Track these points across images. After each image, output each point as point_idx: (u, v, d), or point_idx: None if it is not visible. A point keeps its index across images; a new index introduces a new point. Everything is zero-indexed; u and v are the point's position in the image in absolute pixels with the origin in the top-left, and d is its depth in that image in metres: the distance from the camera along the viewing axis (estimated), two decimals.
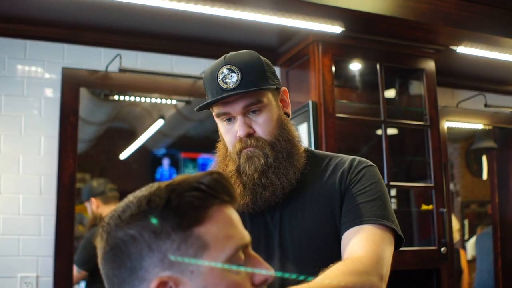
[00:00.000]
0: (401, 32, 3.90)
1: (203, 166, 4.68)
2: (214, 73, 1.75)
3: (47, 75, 3.71)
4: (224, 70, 1.72)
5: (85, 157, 4.21)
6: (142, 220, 1.02)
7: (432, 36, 4.02)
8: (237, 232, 1.07)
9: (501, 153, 5.58)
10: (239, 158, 1.77)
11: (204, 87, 1.83)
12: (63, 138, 3.61)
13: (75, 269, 3.65)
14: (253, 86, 1.72)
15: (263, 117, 1.76)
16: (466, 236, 6.79)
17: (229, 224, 1.06)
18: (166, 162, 4.68)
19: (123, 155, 4.62)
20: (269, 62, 1.83)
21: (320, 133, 3.73)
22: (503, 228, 5.45)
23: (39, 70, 3.71)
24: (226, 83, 1.71)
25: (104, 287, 1.08)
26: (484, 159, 5.93)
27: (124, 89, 3.88)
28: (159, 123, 4.50)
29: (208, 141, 4.24)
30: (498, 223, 5.48)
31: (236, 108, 1.74)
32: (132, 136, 4.66)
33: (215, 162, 1.91)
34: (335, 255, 1.67)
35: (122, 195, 1.39)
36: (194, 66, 4.04)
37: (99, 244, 1.07)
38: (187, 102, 4.16)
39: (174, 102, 4.16)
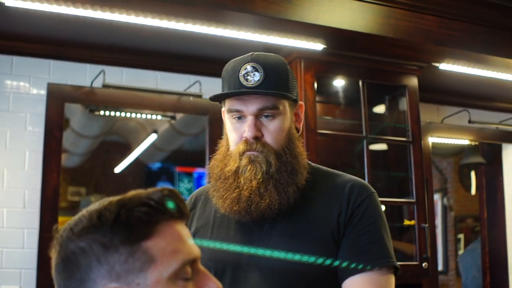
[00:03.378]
0: (383, 49, 3.94)
1: (199, 180, 4.70)
2: (236, 67, 1.69)
3: (33, 91, 3.76)
4: (248, 67, 1.67)
5: (80, 171, 4.24)
6: (92, 233, 1.04)
7: (413, 53, 4.06)
8: (185, 247, 1.09)
9: (490, 168, 5.61)
10: (241, 159, 1.69)
11: (222, 79, 1.77)
12: (47, 152, 3.64)
13: None
14: (274, 90, 1.66)
15: (274, 124, 1.68)
16: (461, 251, 6.80)
17: (177, 239, 1.09)
18: (161, 176, 4.71)
19: (118, 169, 4.64)
20: (293, 73, 1.78)
21: None
22: (491, 243, 5.47)
23: (25, 85, 3.75)
24: (247, 80, 1.65)
25: None
26: (473, 174, 5.96)
27: (109, 105, 3.91)
28: (152, 137, 4.53)
29: (203, 155, 4.28)
30: (487, 238, 5.51)
31: (250, 108, 1.67)
32: (126, 150, 4.68)
33: (213, 160, 1.81)
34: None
35: None
36: (179, 83, 4.07)
37: (53, 255, 1.11)
38: (172, 118, 4.19)
39: (159, 117, 4.18)
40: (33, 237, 3.58)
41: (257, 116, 1.67)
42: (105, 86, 3.78)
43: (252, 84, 1.64)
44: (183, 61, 4.10)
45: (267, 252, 1.65)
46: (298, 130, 1.80)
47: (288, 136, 1.72)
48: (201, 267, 1.14)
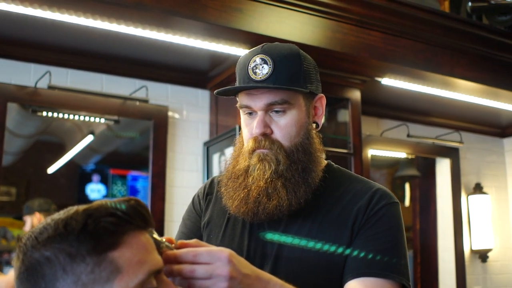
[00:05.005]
0: (329, 62, 3.98)
1: (133, 183, 4.66)
2: (247, 60, 1.60)
3: None
4: (257, 59, 1.57)
5: (11, 170, 4.13)
6: (58, 243, 1.04)
7: (358, 67, 4.13)
8: (150, 257, 1.10)
9: (424, 181, 5.77)
10: (251, 158, 1.61)
11: (236, 72, 1.67)
12: None
13: None
14: (283, 84, 1.55)
15: (285, 120, 1.59)
16: None
17: (143, 249, 1.09)
18: (95, 178, 4.64)
19: (51, 169, 4.56)
20: (313, 62, 1.67)
21: None
22: (423, 253, 5.61)
23: None
24: (255, 73, 1.56)
25: None
26: (407, 186, 6.10)
27: (53, 106, 3.85)
28: (89, 138, 4.47)
29: (138, 158, 4.25)
30: (419, 249, 5.65)
31: (258, 103, 1.58)
32: (61, 150, 4.60)
33: (230, 157, 1.73)
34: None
35: None
36: (125, 86, 4.05)
37: (15, 264, 1.09)
38: (116, 122, 4.15)
39: (102, 120, 4.14)
40: None
41: (267, 111, 1.59)
42: (50, 87, 3.71)
43: (260, 77, 1.55)
44: (130, 65, 4.07)
45: (279, 259, 1.58)
46: (317, 125, 1.71)
47: (303, 132, 1.62)
48: (165, 278, 1.15)
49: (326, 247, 1.56)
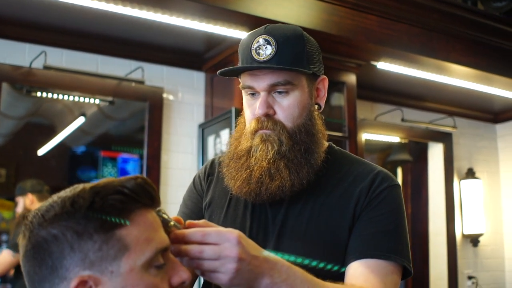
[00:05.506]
0: (325, 46, 3.89)
1: (123, 165, 4.65)
2: (250, 41, 1.60)
3: None
4: (260, 40, 1.57)
5: (1, 152, 4.12)
6: (65, 220, 1.04)
7: (354, 51, 4.12)
8: (157, 235, 1.11)
9: (416, 166, 5.79)
10: (253, 138, 1.61)
11: (238, 53, 1.67)
12: None
13: (11, 255, 3.57)
14: (286, 64, 1.55)
15: (288, 100, 1.59)
16: None
17: (150, 227, 1.10)
18: (85, 160, 4.63)
19: (41, 151, 4.55)
20: (316, 44, 1.67)
21: None
22: (414, 238, 5.64)
23: None
24: (258, 54, 1.56)
25: None
26: (399, 170, 6.13)
27: (48, 86, 3.83)
28: (80, 120, 4.46)
29: (129, 140, 4.23)
30: (410, 233, 5.67)
31: (261, 84, 1.57)
32: (51, 132, 4.59)
33: (231, 137, 1.74)
34: (331, 277, 1.50)
35: None
36: (120, 67, 4.03)
37: (21, 242, 1.09)
38: (111, 103, 4.14)
39: (97, 101, 4.13)
40: None
41: (269, 92, 1.58)
42: (46, 67, 3.69)
43: (263, 58, 1.55)
44: (126, 46, 4.05)
45: (280, 244, 1.58)
46: (320, 107, 1.71)
47: (305, 113, 1.63)
48: (171, 255, 1.16)
49: (328, 228, 1.56)
